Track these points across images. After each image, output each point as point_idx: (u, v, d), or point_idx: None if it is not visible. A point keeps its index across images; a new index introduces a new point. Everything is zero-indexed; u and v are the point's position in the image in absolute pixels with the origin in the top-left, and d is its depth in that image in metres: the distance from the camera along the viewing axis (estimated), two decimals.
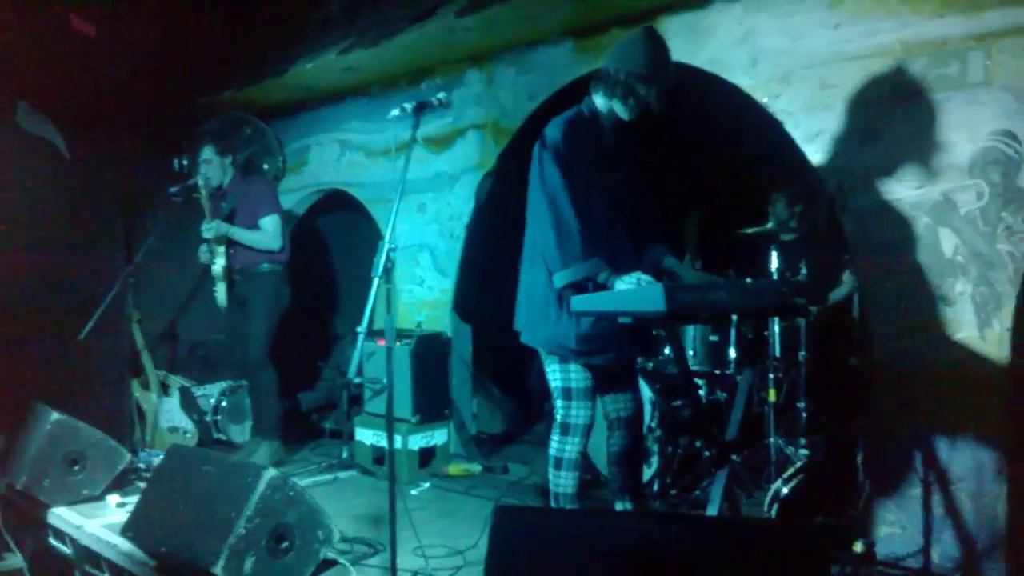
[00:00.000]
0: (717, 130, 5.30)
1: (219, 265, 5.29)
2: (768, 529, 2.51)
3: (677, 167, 5.29)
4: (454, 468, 5.26)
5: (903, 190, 3.58)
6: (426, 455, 5.29)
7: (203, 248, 5.41)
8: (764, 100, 4.02)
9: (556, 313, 3.33)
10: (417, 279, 5.89)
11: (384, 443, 5.21)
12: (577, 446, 3.43)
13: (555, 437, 3.46)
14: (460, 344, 5.73)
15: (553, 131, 3.32)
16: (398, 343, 5.15)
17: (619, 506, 3.60)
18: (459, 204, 5.64)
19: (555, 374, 3.44)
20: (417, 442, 5.22)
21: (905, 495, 3.58)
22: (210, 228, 5.23)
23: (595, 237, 3.25)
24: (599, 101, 3.43)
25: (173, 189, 5.43)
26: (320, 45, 5.83)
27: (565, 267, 3.19)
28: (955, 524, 3.44)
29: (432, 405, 5.34)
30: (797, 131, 3.91)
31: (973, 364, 3.40)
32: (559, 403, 3.45)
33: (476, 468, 5.30)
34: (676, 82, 3.40)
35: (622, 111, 3.38)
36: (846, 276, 4.79)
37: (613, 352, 3.37)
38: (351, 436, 5.49)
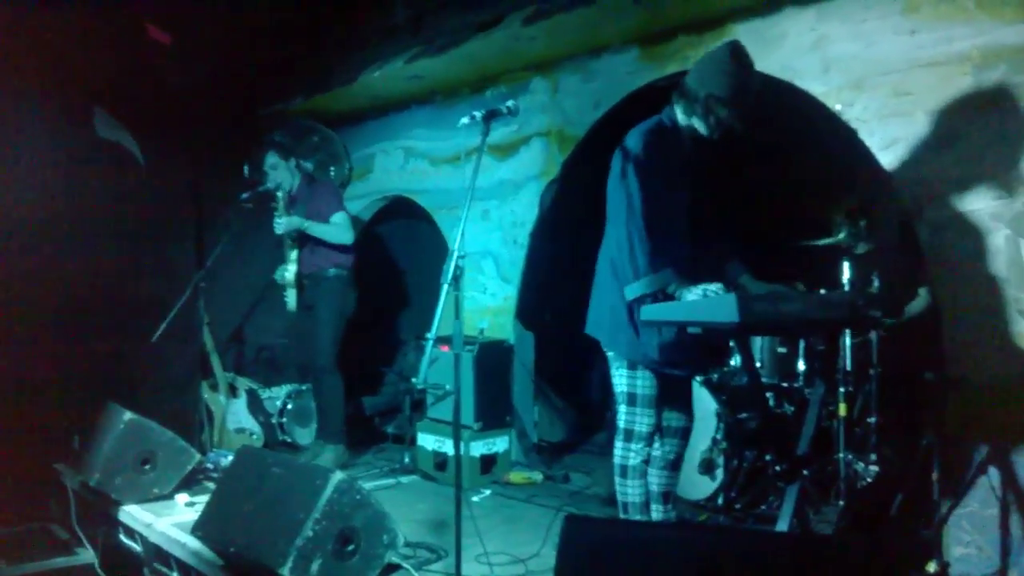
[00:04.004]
0: (785, 136, 5.20)
1: (291, 272, 5.39)
2: (841, 546, 2.46)
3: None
4: (515, 476, 5.26)
5: (982, 200, 3.48)
6: (487, 462, 5.29)
7: (281, 268, 5.51)
8: (837, 107, 3.95)
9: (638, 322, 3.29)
10: (480, 286, 5.91)
11: (445, 449, 5.24)
12: (641, 453, 3.42)
13: (618, 444, 3.46)
14: (522, 352, 5.72)
15: (635, 141, 3.27)
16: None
17: (656, 509, 3.56)
18: (522, 211, 5.65)
19: (622, 379, 3.42)
20: (479, 449, 5.23)
21: (981, 515, 3.47)
22: (280, 223, 5.31)
23: (675, 249, 3.22)
24: (679, 115, 3.37)
25: (244, 195, 5.52)
26: (385, 54, 5.88)
27: (636, 279, 3.17)
28: None
29: (494, 412, 5.35)
30: (872, 139, 3.83)
31: None
32: (623, 408, 3.43)
33: (538, 476, 5.29)
34: (761, 101, 3.31)
35: (702, 128, 3.32)
36: (922, 291, 4.64)
37: (693, 364, 3.33)
38: (413, 441, 5.53)
